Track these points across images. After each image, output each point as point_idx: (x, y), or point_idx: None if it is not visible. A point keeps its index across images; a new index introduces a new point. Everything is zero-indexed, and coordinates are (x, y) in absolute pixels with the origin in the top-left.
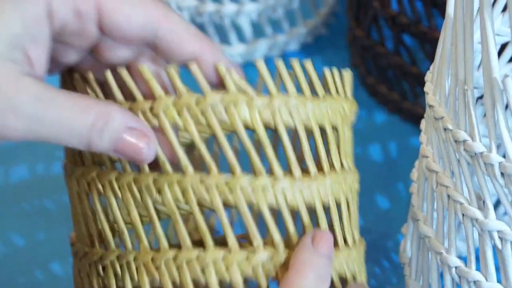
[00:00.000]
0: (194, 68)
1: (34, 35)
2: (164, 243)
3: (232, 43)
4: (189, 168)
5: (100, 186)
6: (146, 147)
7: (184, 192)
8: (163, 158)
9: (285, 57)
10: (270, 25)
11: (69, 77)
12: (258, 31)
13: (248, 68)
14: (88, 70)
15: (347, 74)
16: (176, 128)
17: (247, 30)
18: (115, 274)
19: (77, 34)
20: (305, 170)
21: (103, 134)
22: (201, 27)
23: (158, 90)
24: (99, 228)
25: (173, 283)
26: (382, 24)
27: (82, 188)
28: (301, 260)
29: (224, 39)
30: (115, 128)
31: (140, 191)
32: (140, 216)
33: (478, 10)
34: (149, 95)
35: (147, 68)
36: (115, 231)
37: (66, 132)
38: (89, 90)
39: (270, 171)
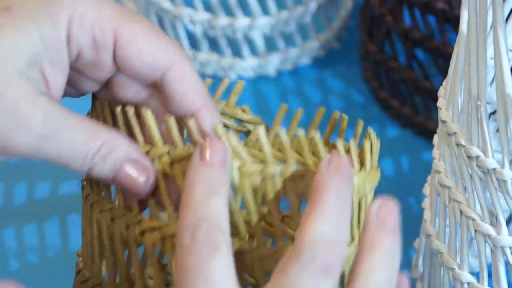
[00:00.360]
0: (191, 124)
1: (52, 56)
2: None
3: (245, 56)
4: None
5: None
6: (144, 182)
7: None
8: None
9: (298, 71)
10: (282, 39)
11: (99, 102)
12: (270, 44)
13: (260, 82)
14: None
15: (376, 144)
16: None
17: (260, 43)
18: None
19: (92, 64)
20: None
21: (106, 161)
22: (213, 41)
23: (156, 137)
24: None
25: None
26: (395, 39)
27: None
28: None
29: (236, 52)
30: (118, 157)
31: None
32: None
33: (491, 26)
34: (149, 140)
35: (149, 113)
36: None
37: (71, 154)
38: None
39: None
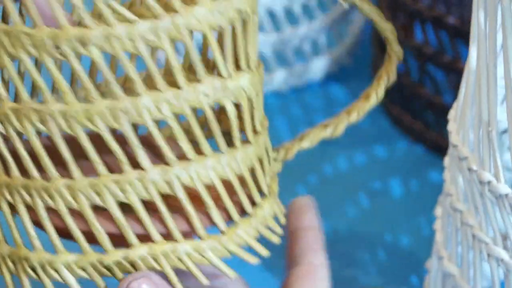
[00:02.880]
0: None
1: None
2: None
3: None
4: None
5: None
6: None
7: None
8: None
9: (308, 86)
10: (292, 54)
11: None
12: (280, 59)
13: (269, 97)
14: None
15: None
16: None
17: (270, 58)
18: None
19: None
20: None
21: None
22: None
23: None
24: None
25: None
26: (407, 55)
27: None
28: None
29: (266, 68)
30: None
31: None
32: None
33: (501, 45)
34: None
35: None
36: None
37: None
38: None
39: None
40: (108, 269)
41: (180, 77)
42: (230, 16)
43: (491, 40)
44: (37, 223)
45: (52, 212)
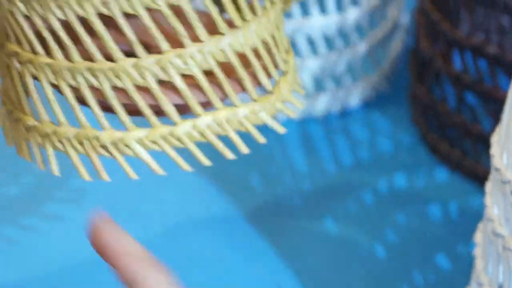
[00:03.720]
0: None
1: None
2: None
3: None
4: None
5: None
6: None
7: None
8: None
9: (346, 112)
10: (331, 80)
11: None
12: (319, 85)
13: (308, 123)
14: None
15: None
16: None
17: (308, 84)
18: None
19: None
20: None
21: None
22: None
23: None
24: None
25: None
26: (445, 82)
27: None
28: None
29: None
30: None
31: None
32: None
33: None
34: None
35: None
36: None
37: None
38: None
39: None
40: (179, 139)
41: None
42: None
43: None
44: (103, 105)
45: (118, 91)
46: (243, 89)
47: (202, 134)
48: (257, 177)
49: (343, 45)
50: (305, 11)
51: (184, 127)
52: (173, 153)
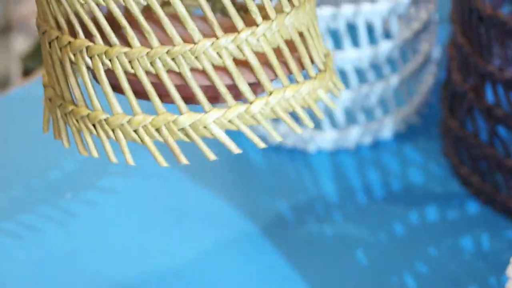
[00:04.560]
0: None
1: None
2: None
3: (324, 129)
4: None
5: None
6: None
7: None
8: None
9: (378, 144)
10: (363, 112)
11: None
12: (350, 117)
13: (340, 154)
14: None
15: None
16: None
17: (340, 116)
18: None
19: None
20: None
21: None
22: (293, 114)
23: None
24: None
25: None
26: (477, 115)
27: None
28: None
29: (317, 125)
30: None
31: None
32: None
33: None
34: None
35: None
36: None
37: None
38: None
39: None
40: (253, 117)
41: None
42: None
43: None
44: (137, 92)
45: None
46: (303, 67)
47: (273, 111)
48: (287, 206)
49: (375, 78)
50: (337, 44)
51: (258, 105)
52: (248, 131)
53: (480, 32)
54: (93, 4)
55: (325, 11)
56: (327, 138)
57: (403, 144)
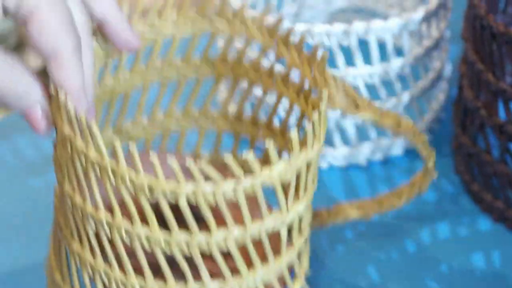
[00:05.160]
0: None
1: None
2: None
3: (336, 145)
4: None
5: None
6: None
7: None
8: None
9: (389, 161)
10: (374, 129)
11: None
12: (362, 134)
13: (351, 170)
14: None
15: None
16: None
17: (351, 133)
18: None
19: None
20: None
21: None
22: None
23: None
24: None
25: None
26: (489, 132)
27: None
28: None
29: (328, 141)
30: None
31: None
32: None
33: None
34: None
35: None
36: None
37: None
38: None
39: None
40: None
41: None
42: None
43: None
44: None
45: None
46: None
47: None
48: None
49: (386, 95)
50: (349, 61)
51: None
52: None
53: (492, 49)
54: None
55: (337, 27)
56: (338, 155)
57: (414, 160)
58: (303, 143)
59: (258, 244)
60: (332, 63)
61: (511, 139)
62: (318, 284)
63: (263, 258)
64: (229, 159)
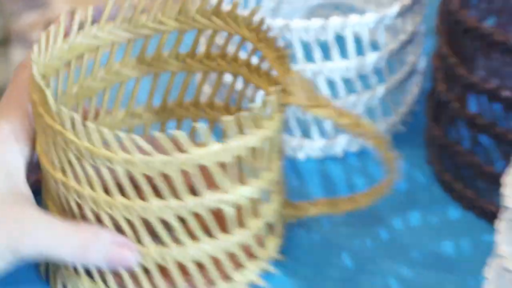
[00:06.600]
0: None
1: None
2: None
3: (313, 137)
4: None
5: None
6: (131, 254)
7: None
8: None
9: (364, 152)
10: None
11: None
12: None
13: (328, 162)
14: None
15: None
16: None
17: (328, 125)
18: None
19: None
20: None
21: (96, 248)
22: (285, 122)
23: None
24: None
25: None
26: (460, 125)
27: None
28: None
29: (305, 133)
30: (105, 242)
31: None
32: None
33: None
34: None
35: None
36: None
37: (64, 248)
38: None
39: None
40: None
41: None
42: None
43: None
44: None
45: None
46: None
47: None
48: None
49: (362, 88)
50: (326, 55)
51: None
52: None
53: (465, 44)
54: None
55: (314, 23)
56: (315, 146)
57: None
58: (240, 128)
59: (221, 218)
60: (310, 57)
61: (482, 131)
62: (295, 273)
63: (222, 230)
64: (158, 135)
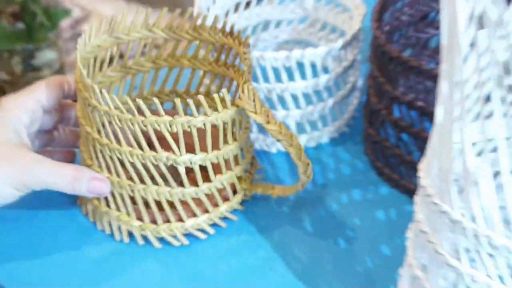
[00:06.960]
0: None
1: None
2: None
3: None
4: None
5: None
6: (105, 185)
7: None
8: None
9: (319, 147)
10: (308, 124)
11: None
12: (300, 128)
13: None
14: None
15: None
16: None
17: (293, 127)
18: None
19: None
20: None
21: (82, 181)
22: (260, 126)
23: None
24: None
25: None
26: (387, 126)
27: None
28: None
29: None
30: (88, 177)
31: None
32: None
33: (457, 118)
34: None
35: None
36: None
37: (59, 182)
38: None
39: None
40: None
41: None
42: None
43: (449, 109)
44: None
45: None
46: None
47: None
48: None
49: (316, 101)
50: (290, 77)
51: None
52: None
53: (390, 69)
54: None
55: (282, 54)
56: None
57: (336, 147)
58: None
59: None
60: (279, 79)
61: (403, 131)
62: (267, 239)
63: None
64: (177, 101)
